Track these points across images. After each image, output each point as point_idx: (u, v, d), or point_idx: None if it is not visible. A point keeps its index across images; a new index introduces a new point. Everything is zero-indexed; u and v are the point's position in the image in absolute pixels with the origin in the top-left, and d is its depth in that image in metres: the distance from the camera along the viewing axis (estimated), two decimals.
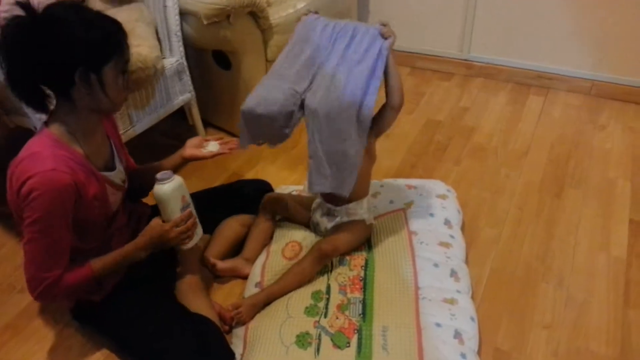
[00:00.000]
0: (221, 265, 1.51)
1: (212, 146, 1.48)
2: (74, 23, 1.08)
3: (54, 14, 1.08)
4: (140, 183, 1.43)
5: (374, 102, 1.26)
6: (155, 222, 1.29)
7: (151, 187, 1.31)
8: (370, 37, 1.30)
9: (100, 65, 1.11)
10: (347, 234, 1.46)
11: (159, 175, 1.27)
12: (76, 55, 1.09)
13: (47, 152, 1.12)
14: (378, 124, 1.37)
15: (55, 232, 1.14)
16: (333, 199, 1.49)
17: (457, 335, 1.28)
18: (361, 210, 1.48)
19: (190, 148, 1.48)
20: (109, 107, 1.20)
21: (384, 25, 1.31)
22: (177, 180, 1.29)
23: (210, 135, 1.60)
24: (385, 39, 1.29)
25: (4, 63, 1.10)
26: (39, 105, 1.17)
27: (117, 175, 1.32)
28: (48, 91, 1.15)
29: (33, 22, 1.06)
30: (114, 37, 1.13)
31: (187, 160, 1.48)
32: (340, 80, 1.27)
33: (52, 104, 1.18)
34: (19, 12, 1.06)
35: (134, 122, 1.79)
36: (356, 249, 1.51)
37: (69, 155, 1.15)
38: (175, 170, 1.39)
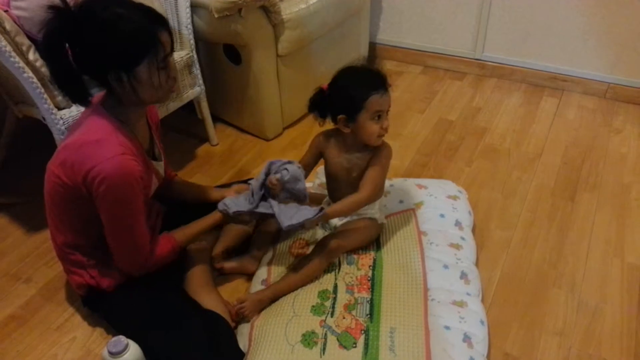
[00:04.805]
0: (228, 265, 1.51)
1: None
2: (103, 24, 1.07)
3: (85, 12, 1.08)
4: (179, 196, 1.52)
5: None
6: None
7: (190, 201, 1.50)
8: None
9: (131, 66, 1.11)
10: (356, 231, 1.44)
11: (111, 347, 1.12)
12: (106, 58, 1.09)
13: (112, 138, 1.14)
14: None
15: (135, 210, 1.18)
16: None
17: (466, 338, 1.26)
18: (372, 210, 1.46)
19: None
20: (149, 101, 1.21)
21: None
22: (133, 349, 1.16)
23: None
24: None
25: (45, 61, 1.14)
26: (81, 99, 1.18)
27: (161, 166, 1.36)
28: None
29: (66, 24, 1.07)
30: (145, 35, 1.09)
31: None
32: None
33: (93, 96, 1.21)
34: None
35: None
36: (364, 248, 1.49)
37: (129, 142, 1.17)
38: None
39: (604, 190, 1.84)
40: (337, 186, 1.47)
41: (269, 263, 1.50)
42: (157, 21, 1.12)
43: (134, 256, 1.24)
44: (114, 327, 1.36)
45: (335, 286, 1.39)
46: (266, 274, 1.47)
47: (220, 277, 1.53)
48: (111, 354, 1.12)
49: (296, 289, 1.39)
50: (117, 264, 1.27)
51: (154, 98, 1.19)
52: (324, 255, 1.40)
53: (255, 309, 1.36)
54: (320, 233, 1.54)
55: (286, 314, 1.33)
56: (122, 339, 1.14)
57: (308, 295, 1.37)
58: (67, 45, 1.09)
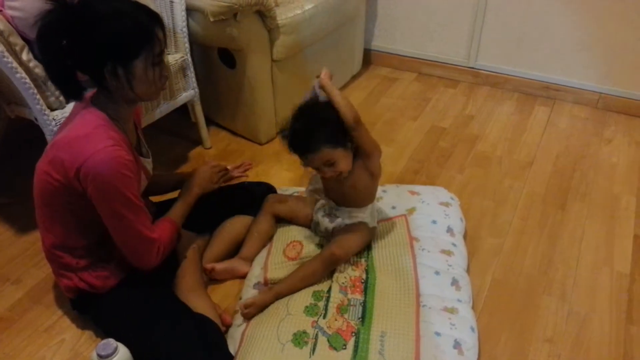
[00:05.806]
0: (219, 267, 1.50)
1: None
2: (102, 17, 1.09)
3: (84, 7, 1.09)
4: (157, 188, 1.53)
5: None
6: (202, 168, 1.49)
7: (166, 191, 1.54)
8: None
9: (128, 59, 1.12)
10: (355, 236, 1.45)
11: (100, 350, 1.11)
12: (104, 51, 1.10)
13: (101, 131, 1.14)
14: (359, 147, 1.36)
15: (133, 199, 1.17)
16: (337, 198, 1.48)
17: (457, 345, 1.26)
18: (363, 214, 1.46)
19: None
20: (142, 97, 1.22)
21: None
22: (122, 353, 1.14)
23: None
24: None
25: (40, 54, 1.13)
26: (74, 95, 1.19)
27: (149, 163, 1.36)
28: (84, 79, 1.17)
29: (64, 18, 1.08)
30: (143, 30, 1.12)
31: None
32: None
33: (87, 92, 1.21)
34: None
35: None
36: (358, 253, 1.49)
37: (119, 137, 1.17)
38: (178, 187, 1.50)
39: (594, 199, 1.86)
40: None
41: (264, 265, 1.49)
42: (153, 17, 1.14)
43: (144, 247, 1.23)
44: (104, 330, 1.35)
45: (330, 287, 1.39)
46: (260, 277, 1.46)
47: (211, 281, 1.53)
48: (100, 356, 1.11)
49: (296, 292, 1.39)
50: (131, 260, 1.26)
51: (147, 94, 1.20)
52: (328, 263, 1.41)
53: (259, 312, 1.36)
54: (316, 238, 1.54)
55: (280, 313, 1.33)
56: (112, 341, 1.13)
57: (303, 295, 1.38)
58: (62, 40, 1.10)
